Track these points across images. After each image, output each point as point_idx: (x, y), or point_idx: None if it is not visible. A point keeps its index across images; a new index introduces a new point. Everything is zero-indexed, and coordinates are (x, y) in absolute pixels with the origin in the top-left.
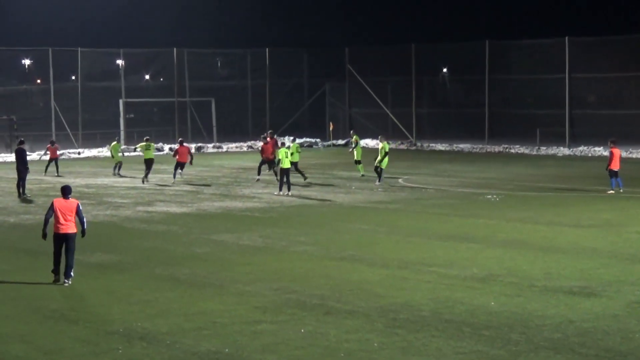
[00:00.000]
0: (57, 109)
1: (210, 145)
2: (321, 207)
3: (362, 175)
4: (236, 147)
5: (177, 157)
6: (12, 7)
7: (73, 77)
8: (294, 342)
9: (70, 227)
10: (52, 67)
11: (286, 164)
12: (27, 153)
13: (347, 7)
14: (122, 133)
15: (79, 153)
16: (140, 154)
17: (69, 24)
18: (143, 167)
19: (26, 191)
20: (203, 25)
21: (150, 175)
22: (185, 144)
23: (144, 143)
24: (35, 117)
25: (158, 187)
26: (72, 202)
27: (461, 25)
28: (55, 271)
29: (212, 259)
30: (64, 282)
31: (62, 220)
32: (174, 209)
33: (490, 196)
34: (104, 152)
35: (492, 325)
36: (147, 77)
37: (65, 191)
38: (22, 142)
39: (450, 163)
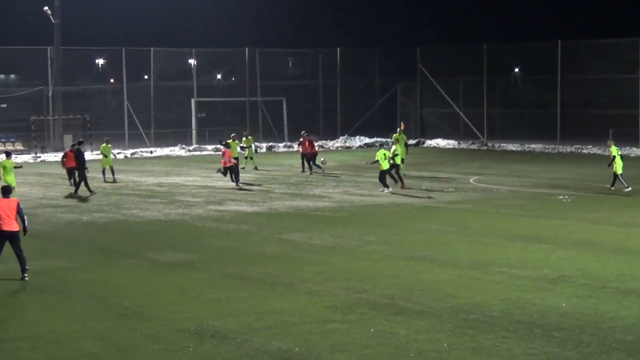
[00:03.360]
0: (130, 108)
1: (281, 145)
2: (392, 207)
3: (403, 174)
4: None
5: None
6: (86, 7)
7: (146, 77)
8: (364, 342)
9: (11, 225)
10: (125, 67)
11: (385, 166)
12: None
13: (419, 6)
14: (193, 132)
15: (151, 152)
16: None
17: (142, 24)
18: (215, 165)
19: (79, 190)
20: (275, 25)
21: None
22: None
23: (230, 141)
24: (108, 116)
25: (229, 186)
26: (12, 201)
27: (533, 25)
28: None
29: (283, 258)
30: (24, 277)
31: (3, 218)
32: (245, 208)
33: (562, 197)
34: (176, 151)
35: (564, 326)
36: (218, 76)
37: (5, 191)
38: (80, 143)
39: (521, 163)
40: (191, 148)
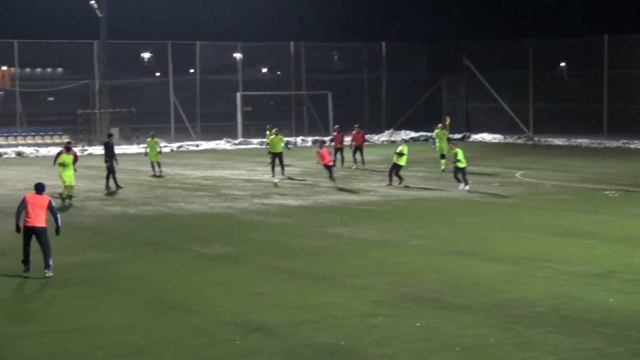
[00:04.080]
0: (176, 102)
1: (327, 139)
2: (436, 202)
3: (443, 170)
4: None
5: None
6: (131, 1)
7: (192, 70)
8: (410, 336)
9: (39, 221)
10: (171, 61)
11: (463, 164)
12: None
13: (465, 1)
14: (239, 126)
15: (197, 145)
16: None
17: (187, 18)
18: (264, 159)
19: (119, 182)
20: (320, 19)
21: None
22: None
23: (273, 136)
24: (154, 109)
25: (290, 178)
26: (44, 198)
27: (580, 20)
28: (25, 261)
29: (328, 252)
30: (45, 273)
31: (31, 214)
32: (290, 201)
33: (608, 192)
34: (222, 144)
35: (611, 322)
36: (264, 70)
37: (39, 188)
38: (110, 136)
39: (567, 158)
40: (237, 141)
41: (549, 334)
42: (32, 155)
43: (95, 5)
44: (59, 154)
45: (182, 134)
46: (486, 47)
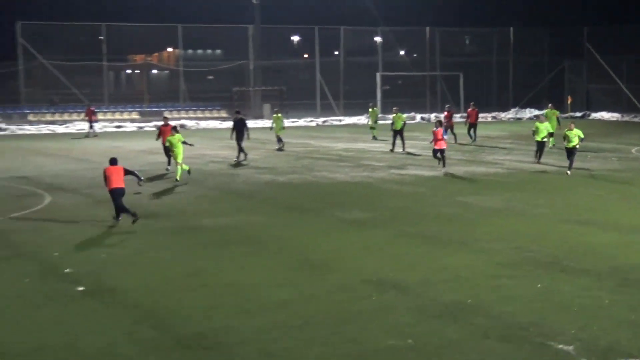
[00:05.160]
0: (322, 81)
1: (457, 116)
2: (557, 174)
3: (550, 148)
4: (481, 117)
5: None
6: None
7: (336, 53)
8: (530, 296)
9: (120, 184)
10: (318, 44)
11: (574, 142)
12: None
13: None
14: (378, 103)
15: (340, 120)
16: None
17: (333, 4)
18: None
19: (241, 156)
20: (453, 5)
21: (404, 143)
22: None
23: (393, 114)
24: (302, 87)
25: (409, 153)
26: (119, 167)
27: None
28: (118, 217)
29: (457, 219)
30: (117, 218)
31: (114, 180)
32: (424, 172)
33: None
34: (362, 120)
35: None
36: (401, 52)
37: (113, 161)
38: (238, 112)
39: None
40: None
41: None
42: (193, 128)
43: None
44: (162, 133)
45: (327, 110)
46: (606, 32)
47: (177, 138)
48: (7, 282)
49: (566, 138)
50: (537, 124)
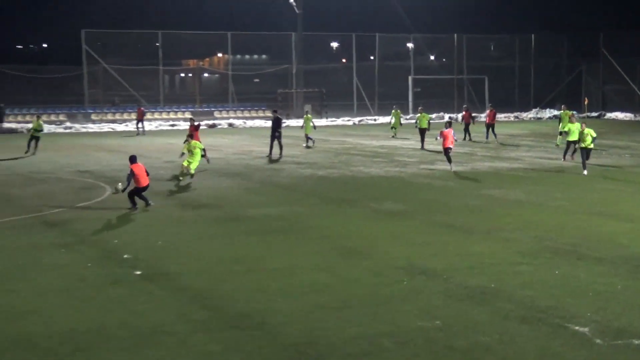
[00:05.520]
0: (358, 84)
1: (482, 115)
2: (575, 170)
3: (557, 145)
4: (504, 117)
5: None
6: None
7: (372, 57)
8: (549, 282)
9: (147, 180)
10: (355, 49)
11: (587, 141)
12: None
13: None
14: (410, 104)
15: (374, 120)
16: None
17: (369, 13)
18: (432, 132)
19: (276, 152)
20: (479, 13)
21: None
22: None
23: (419, 114)
24: (340, 89)
25: (438, 150)
26: (142, 165)
27: None
28: (135, 206)
29: (482, 210)
30: (149, 204)
31: (143, 176)
32: (452, 167)
33: None
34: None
35: None
36: (432, 57)
37: (134, 159)
38: (275, 111)
39: None
40: (408, 117)
41: None
42: (240, 127)
43: (294, 3)
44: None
45: (363, 109)
46: (621, 37)
47: (199, 145)
48: (72, 266)
49: (580, 137)
50: (570, 125)
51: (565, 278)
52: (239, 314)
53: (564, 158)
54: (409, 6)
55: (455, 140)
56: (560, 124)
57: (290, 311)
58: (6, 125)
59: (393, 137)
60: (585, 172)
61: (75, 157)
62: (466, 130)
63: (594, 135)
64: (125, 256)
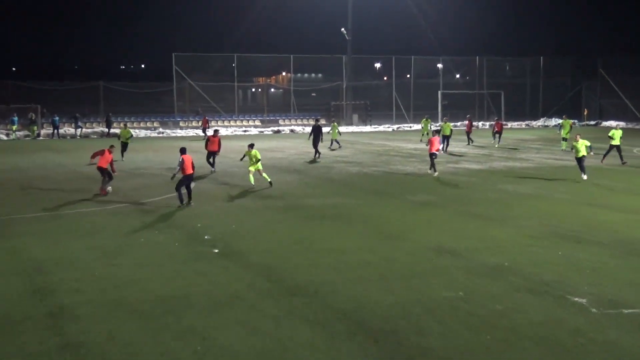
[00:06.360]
0: (397, 97)
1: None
2: (572, 168)
3: (563, 150)
4: (517, 125)
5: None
6: (368, 29)
7: (408, 76)
8: (554, 260)
9: (191, 170)
10: (394, 69)
11: (582, 152)
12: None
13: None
14: (439, 114)
15: (410, 127)
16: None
17: (406, 38)
18: (456, 137)
19: (317, 156)
20: (497, 38)
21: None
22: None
23: (443, 123)
24: (381, 102)
25: (461, 152)
26: (190, 157)
27: None
28: (182, 200)
29: (499, 201)
30: (190, 204)
31: (189, 167)
32: (474, 166)
33: None
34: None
35: None
36: (457, 76)
37: (184, 151)
38: (317, 120)
39: None
40: (437, 124)
41: None
42: (300, 132)
43: (345, 31)
44: (210, 143)
45: (400, 118)
46: (615, 60)
47: (254, 153)
48: (163, 245)
49: (574, 149)
50: (613, 131)
51: (567, 258)
52: (297, 284)
53: (584, 173)
54: (439, 33)
55: (441, 148)
56: (562, 130)
57: (339, 283)
58: (113, 130)
59: (421, 141)
60: (584, 176)
61: (166, 157)
62: (468, 136)
63: (588, 144)
64: (206, 237)
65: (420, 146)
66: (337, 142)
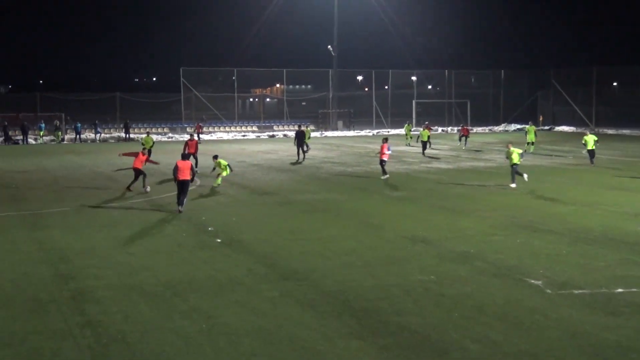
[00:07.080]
0: (377, 107)
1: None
2: (533, 168)
3: (526, 151)
4: (482, 129)
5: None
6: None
7: (386, 87)
8: (514, 247)
9: (186, 176)
10: (374, 81)
11: (514, 160)
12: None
13: (556, 37)
14: (414, 120)
15: (388, 131)
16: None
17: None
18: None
19: (300, 157)
20: (464, 53)
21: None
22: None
23: (422, 129)
24: (363, 110)
25: (433, 154)
26: (188, 162)
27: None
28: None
29: (466, 196)
30: (179, 210)
31: (184, 171)
32: (443, 165)
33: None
34: (403, 131)
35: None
36: (429, 87)
37: (184, 157)
38: (300, 126)
39: (619, 142)
40: (412, 129)
41: (600, 249)
42: (292, 137)
43: (331, 49)
44: (188, 146)
45: (380, 124)
46: (566, 72)
47: (221, 163)
48: (172, 235)
49: (507, 157)
50: (586, 137)
51: (524, 245)
52: (290, 270)
53: (513, 181)
54: (413, 50)
55: (390, 153)
56: (528, 135)
57: (327, 268)
58: (131, 135)
59: (407, 145)
60: (513, 185)
61: (175, 159)
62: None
63: (520, 151)
64: (210, 228)
65: (400, 148)
66: (307, 146)
